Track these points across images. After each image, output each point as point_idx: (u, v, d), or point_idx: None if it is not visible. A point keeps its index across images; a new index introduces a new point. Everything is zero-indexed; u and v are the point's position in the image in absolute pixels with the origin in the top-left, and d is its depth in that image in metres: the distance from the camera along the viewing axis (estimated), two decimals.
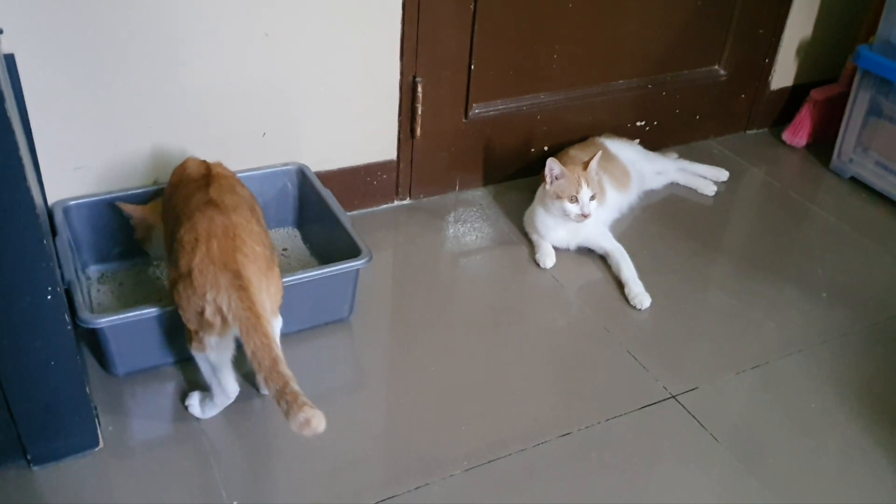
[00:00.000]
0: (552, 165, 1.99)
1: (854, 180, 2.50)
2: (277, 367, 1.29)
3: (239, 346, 1.40)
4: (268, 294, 1.43)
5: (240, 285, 1.36)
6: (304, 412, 1.24)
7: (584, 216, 1.98)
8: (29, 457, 1.44)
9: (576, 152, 2.27)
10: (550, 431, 1.60)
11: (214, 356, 1.46)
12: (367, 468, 1.52)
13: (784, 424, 1.67)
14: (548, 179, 2.00)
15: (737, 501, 1.50)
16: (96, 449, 1.49)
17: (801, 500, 1.50)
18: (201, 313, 1.39)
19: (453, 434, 1.59)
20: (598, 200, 2.03)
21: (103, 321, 1.54)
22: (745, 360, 1.81)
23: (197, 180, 1.60)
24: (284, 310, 1.73)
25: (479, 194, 2.37)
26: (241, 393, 1.59)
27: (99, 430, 1.50)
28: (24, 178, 1.17)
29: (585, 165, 2.01)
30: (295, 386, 1.28)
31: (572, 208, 1.98)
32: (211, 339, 1.42)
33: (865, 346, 1.88)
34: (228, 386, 1.52)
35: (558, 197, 1.99)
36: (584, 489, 1.50)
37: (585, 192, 1.97)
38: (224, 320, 1.37)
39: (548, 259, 2.08)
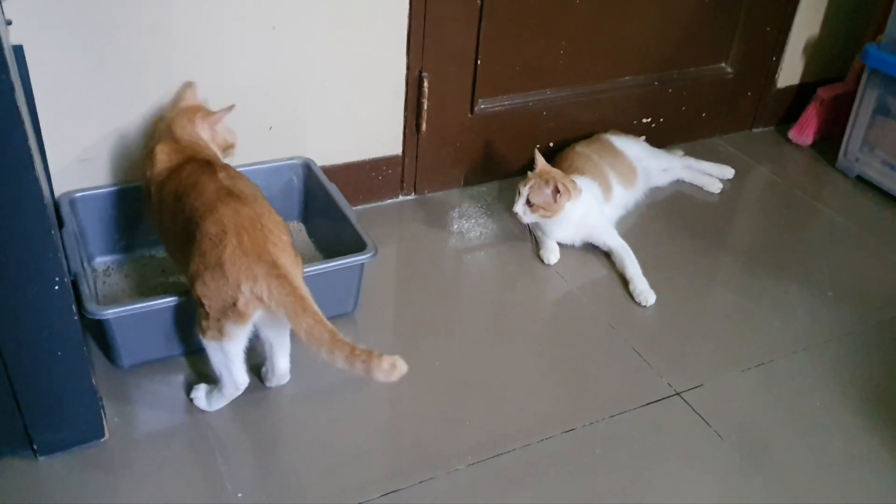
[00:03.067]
0: (536, 157, 2.07)
1: (860, 179, 2.50)
2: (337, 338, 1.34)
3: (254, 337, 1.45)
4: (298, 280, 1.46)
5: (277, 274, 1.38)
6: (385, 360, 1.30)
7: (514, 211, 2.02)
8: (35, 447, 1.44)
9: (581, 148, 2.27)
10: (555, 427, 1.60)
11: (232, 346, 1.46)
12: (372, 462, 1.52)
13: (788, 423, 1.67)
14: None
15: (740, 499, 1.50)
16: (102, 440, 1.50)
17: (805, 499, 1.50)
18: (233, 304, 1.40)
19: (457, 429, 1.59)
20: (546, 215, 2.01)
21: (109, 312, 1.54)
22: (750, 357, 1.81)
23: (198, 166, 1.60)
24: None
25: (484, 190, 2.37)
26: (247, 386, 1.59)
27: (105, 422, 1.50)
28: (33, 170, 1.17)
29: (550, 180, 1.98)
30: (360, 346, 1.32)
31: (515, 198, 2.04)
32: (234, 329, 1.43)
33: (870, 344, 1.88)
34: (239, 377, 1.52)
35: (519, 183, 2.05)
36: (588, 485, 1.50)
37: (523, 193, 2.00)
38: (257, 309, 1.41)
39: (552, 255, 2.08)
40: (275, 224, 1.49)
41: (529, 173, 2.06)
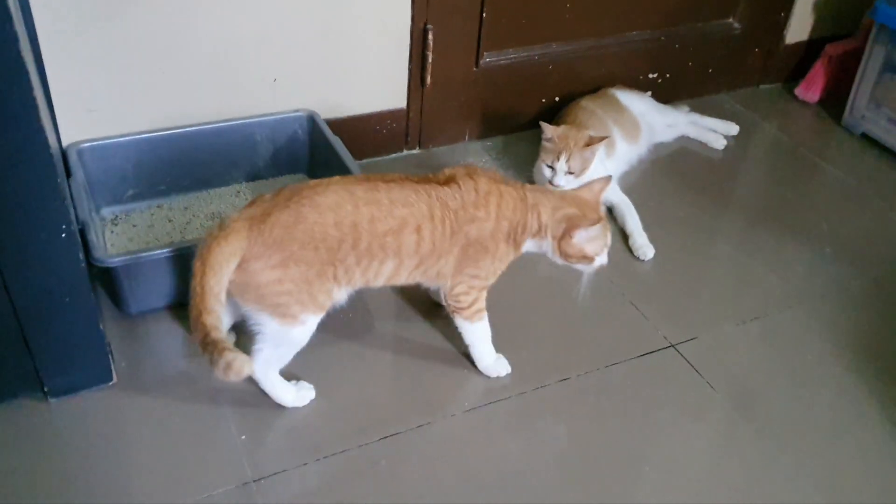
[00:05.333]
0: (543, 129, 2.01)
1: (865, 136, 2.49)
2: (202, 318, 1.33)
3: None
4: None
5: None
6: (223, 359, 1.30)
7: (554, 185, 2.00)
8: (46, 389, 1.49)
9: (586, 103, 2.27)
10: (550, 376, 1.64)
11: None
12: (372, 408, 1.57)
13: (780, 375, 1.70)
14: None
15: (731, 448, 1.54)
16: (110, 384, 1.55)
17: (794, 449, 1.54)
18: None
19: (455, 377, 1.63)
20: (582, 176, 1.99)
21: (116, 260, 1.58)
22: (746, 311, 1.83)
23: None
24: None
25: (490, 145, 2.38)
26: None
27: (112, 366, 1.55)
28: (38, 119, 1.19)
29: (588, 143, 1.98)
30: (220, 337, 1.32)
31: (547, 173, 2.01)
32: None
33: (865, 301, 1.90)
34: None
35: (542, 158, 2.02)
36: (582, 433, 1.54)
37: (562, 165, 1.98)
38: None
39: None
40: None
41: (547, 144, 2.01)
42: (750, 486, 1.47)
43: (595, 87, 2.39)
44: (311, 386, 1.56)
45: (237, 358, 1.31)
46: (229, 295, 1.38)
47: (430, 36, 2.11)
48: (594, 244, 1.51)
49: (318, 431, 1.51)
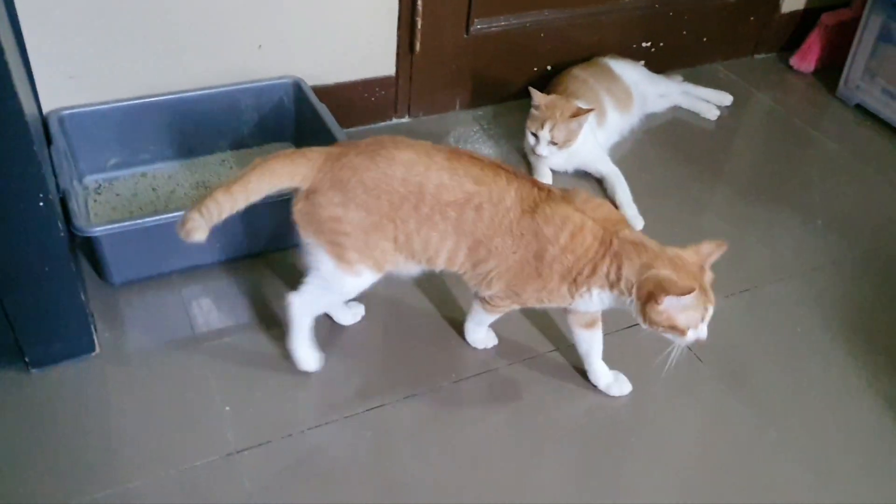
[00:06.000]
0: (533, 95, 1.99)
1: (859, 108, 2.46)
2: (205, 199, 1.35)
3: None
4: None
5: None
6: (186, 222, 1.34)
7: (537, 154, 1.99)
8: (27, 359, 1.47)
9: (578, 72, 2.24)
10: (539, 347, 1.63)
11: None
12: (357, 379, 1.56)
13: (769, 347, 1.69)
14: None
15: (720, 419, 1.54)
16: (93, 354, 1.53)
17: (782, 420, 1.54)
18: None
19: (442, 349, 1.62)
20: (569, 145, 1.99)
21: (98, 230, 1.56)
22: (735, 283, 1.82)
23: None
24: (274, 227, 1.74)
25: (480, 114, 2.34)
26: (236, 310, 1.63)
27: (95, 336, 1.53)
28: (12, 85, 1.16)
29: (574, 113, 1.95)
30: (206, 208, 1.34)
31: (531, 140, 2.00)
32: None
33: (855, 273, 1.89)
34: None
35: (528, 125, 2.00)
36: (570, 403, 1.54)
37: (545, 134, 1.96)
38: None
39: (544, 181, 2.08)
40: None
41: (534, 111, 2.00)
42: (738, 457, 1.47)
43: (588, 56, 2.36)
44: (321, 357, 1.55)
45: (197, 225, 1.33)
46: (295, 223, 1.39)
47: (419, 1, 2.06)
48: (687, 315, 1.30)
49: (302, 403, 1.50)
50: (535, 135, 1.98)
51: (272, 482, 1.36)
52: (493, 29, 2.24)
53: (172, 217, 1.60)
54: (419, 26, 2.11)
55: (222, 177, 1.95)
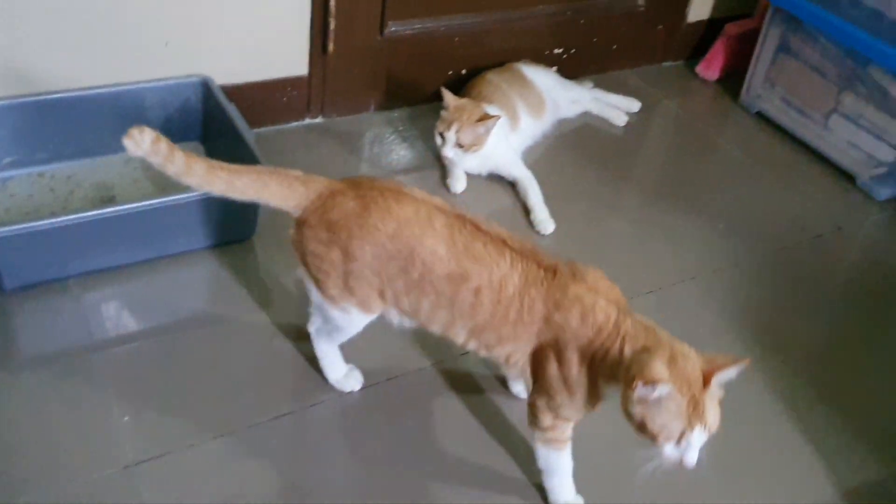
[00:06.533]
0: (444, 96, 2.00)
1: (760, 115, 2.56)
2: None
3: None
4: None
5: None
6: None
7: (443, 155, 2.00)
8: None
9: (492, 76, 2.26)
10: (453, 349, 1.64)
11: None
12: (262, 387, 1.53)
13: None
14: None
15: (625, 424, 1.56)
16: None
17: None
18: None
19: (371, 347, 1.59)
20: (475, 150, 1.99)
21: None
22: (641, 285, 1.86)
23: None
24: (183, 227, 1.70)
25: (396, 116, 2.34)
26: (137, 316, 1.57)
27: None
28: None
29: (480, 118, 1.96)
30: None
31: (438, 141, 2.01)
32: None
33: (756, 275, 1.97)
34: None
35: (437, 125, 2.01)
36: (488, 405, 1.55)
37: (451, 136, 1.97)
38: None
39: (458, 184, 2.09)
40: None
41: (444, 113, 2.01)
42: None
43: (501, 61, 2.38)
44: (361, 378, 1.53)
45: (141, 138, 1.24)
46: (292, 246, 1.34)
47: (332, 2, 2.04)
48: (663, 419, 1.11)
49: (206, 411, 1.46)
50: (442, 136, 1.99)
51: (172, 494, 1.32)
52: (407, 31, 2.24)
53: (70, 220, 1.54)
54: (332, 27, 2.08)
55: (126, 178, 1.89)
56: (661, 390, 1.10)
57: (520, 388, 1.55)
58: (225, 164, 1.30)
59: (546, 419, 1.31)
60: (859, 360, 1.80)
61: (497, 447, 1.48)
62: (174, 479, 1.34)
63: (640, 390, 1.10)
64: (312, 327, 1.48)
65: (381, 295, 1.32)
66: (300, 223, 1.32)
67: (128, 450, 1.37)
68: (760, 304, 1.89)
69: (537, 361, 1.27)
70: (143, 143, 1.24)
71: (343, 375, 1.52)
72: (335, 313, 1.37)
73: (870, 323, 1.91)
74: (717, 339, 1.77)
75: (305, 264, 1.34)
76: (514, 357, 1.29)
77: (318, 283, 1.34)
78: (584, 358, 1.22)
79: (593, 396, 1.24)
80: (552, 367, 1.25)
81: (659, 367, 1.11)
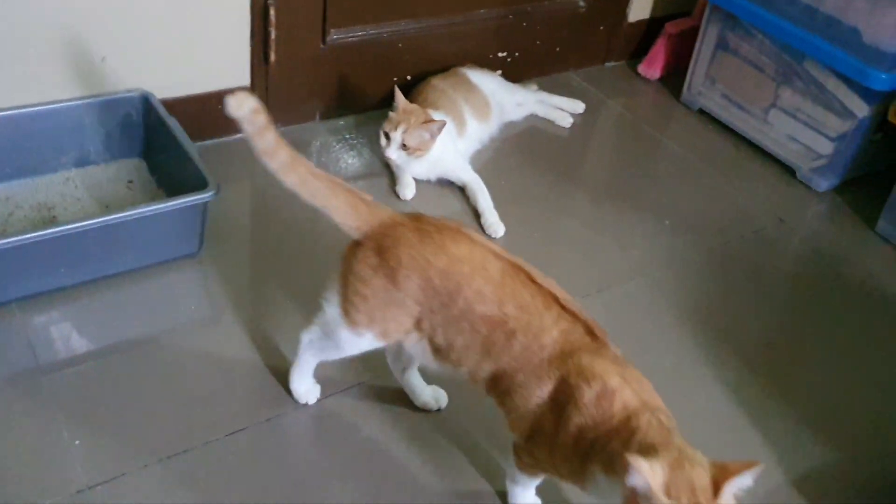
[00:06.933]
0: (396, 95, 2.02)
1: (702, 112, 2.61)
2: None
3: None
4: None
5: None
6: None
7: (387, 156, 2.01)
8: None
9: (437, 82, 2.26)
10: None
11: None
12: (215, 404, 1.51)
13: (623, 344, 1.73)
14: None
15: None
16: None
17: None
18: None
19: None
20: (419, 154, 2.01)
21: None
22: (590, 284, 1.89)
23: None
24: (128, 245, 1.67)
25: (342, 124, 2.33)
26: (84, 339, 1.54)
27: None
28: None
29: (425, 120, 1.99)
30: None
31: (383, 142, 2.02)
32: None
33: (701, 270, 2.01)
34: None
35: (384, 125, 2.02)
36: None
37: (397, 136, 1.98)
38: None
39: (407, 190, 2.09)
40: None
41: (392, 114, 2.02)
42: None
43: (446, 66, 2.39)
44: (319, 391, 1.52)
45: (250, 101, 1.25)
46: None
47: (272, 11, 2.03)
48: None
49: (160, 431, 1.44)
50: (387, 135, 2.00)
51: None
52: (350, 39, 2.24)
53: (10, 242, 1.50)
54: (273, 36, 2.07)
55: (67, 197, 1.85)
56: (638, 482, 1.02)
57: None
58: (306, 162, 1.31)
59: (531, 465, 1.31)
60: (804, 349, 1.85)
61: (455, 455, 1.49)
62: (129, 501, 1.32)
63: (633, 479, 1.02)
64: (306, 337, 1.45)
65: (418, 325, 1.29)
66: (354, 244, 1.31)
67: (80, 474, 1.34)
68: (707, 297, 1.92)
69: (533, 423, 1.24)
70: (243, 106, 1.25)
71: (305, 389, 1.51)
72: (345, 335, 1.35)
73: (813, 312, 1.96)
74: (665, 333, 1.80)
75: (343, 284, 1.32)
76: (522, 411, 1.24)
77: (347, 305, 1.32)
78: (584, 437, 1.16)
79: (579, 476, 1.19)
80: (547, 425, 1.21)
81: (645, 463, 1.02)
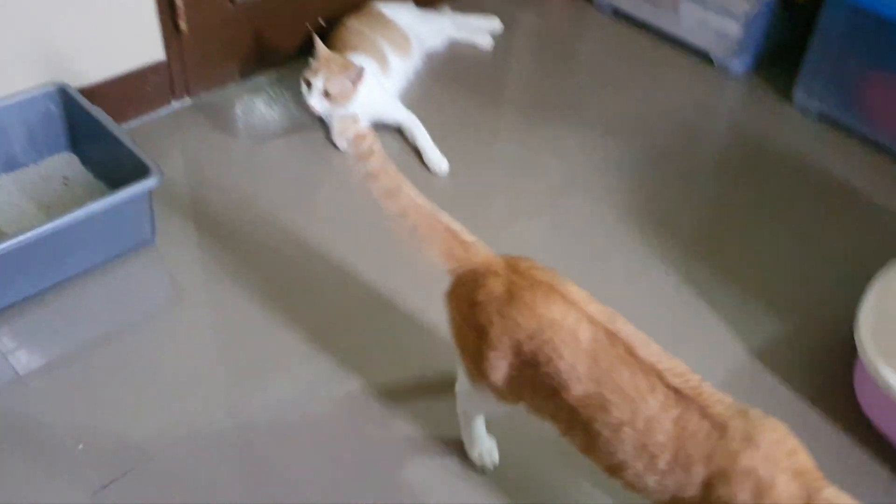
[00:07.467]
0: (315, 44, 2.00)
1: (616, 13, 2.64)
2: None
3: None
4: None
5: None
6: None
7: (309, 105, 1.98)
8: None
9: (353, 23, 2.24)
10: (380, 308, 1.68)
11: None
12: (205, 384, 1.54)
13: (574, 254, 1.84)
14: None
15: None
16: None
17: None
18: None
19: (280, 336, 1.63)
20: (341, 103, 1.98)
21: None
22: (536, 202, 1.95)
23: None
24: (82, 245, 1.66)
25: (264, 81, 2.30)
26: (61, 342, 1.54)
27: None
28: None
29: (348, 67, 1.96)
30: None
31: (304, 90, 1.99)
32: None
33: (635, 167, 2.08)
34: None
35: (304, 73, 1.99)
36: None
37: (318, 84, 1.95)
38: None
39: (342, 139, 2.09)
40: None
41: (312, 61, 1.99)
42: None
43: (358, 3, 2.35)
44: (497, 459, 1.43)
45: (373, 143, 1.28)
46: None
47: None
48: None
49: (157, 423, 1.47)
50: (308, 83, 1.97)
51: None
52: None
53: None
54: (180, 4, 2.01)
55: (3, 204, 1.80)
56: None
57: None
58: (410, 190, 1.30)
59: None
60: (743, 227, 1.97)
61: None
62: (144, 494, 1.36)
63: None
64: (458, 386, 1.38)
65: (512, 391, 1.22)
66: (450, 290, 1.27)
67: (92, 475, 1.37)
68: (647, 194, 2.01)
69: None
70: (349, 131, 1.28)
71: (484, 449, 1.41)
72: (466, 383, 1.31)
73: (744, 191, 2.07)
74: (612, 236, 1.89)
75: (449, 322, 1.29)
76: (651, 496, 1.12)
77: (459, 350, 1.28)
78: None
79: None
80: None
81: None
